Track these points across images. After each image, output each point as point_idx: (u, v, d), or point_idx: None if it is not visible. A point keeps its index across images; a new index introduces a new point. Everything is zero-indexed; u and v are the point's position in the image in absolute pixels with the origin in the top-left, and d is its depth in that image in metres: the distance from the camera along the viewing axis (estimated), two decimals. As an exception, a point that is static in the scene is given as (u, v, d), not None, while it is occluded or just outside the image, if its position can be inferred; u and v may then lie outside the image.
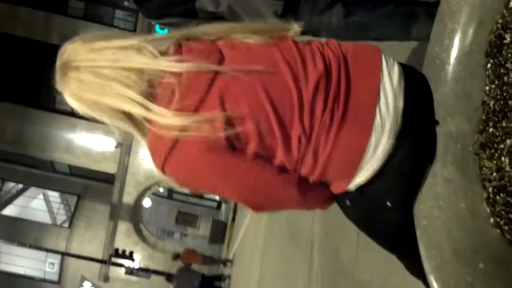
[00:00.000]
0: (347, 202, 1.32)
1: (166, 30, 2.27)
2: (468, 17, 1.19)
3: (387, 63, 1.27)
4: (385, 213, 1.29)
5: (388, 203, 1.26)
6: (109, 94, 1.21)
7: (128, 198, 16.78)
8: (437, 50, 1.25)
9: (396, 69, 1.27)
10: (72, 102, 1.27)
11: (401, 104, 1.22)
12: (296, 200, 1.29)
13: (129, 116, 1.24)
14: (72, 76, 1.24)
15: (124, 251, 15.62)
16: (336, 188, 1.30)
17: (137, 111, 1.20)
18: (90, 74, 1.22)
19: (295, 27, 1.35)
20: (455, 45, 1.21)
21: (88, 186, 18.42)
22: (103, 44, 1.24)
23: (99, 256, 16.54)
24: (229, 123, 1.17)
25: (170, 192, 21.68)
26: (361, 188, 1.26)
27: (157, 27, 2.41)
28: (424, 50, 1.34)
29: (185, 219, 21.85)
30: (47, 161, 17.25)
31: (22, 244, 16.93)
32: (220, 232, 17.50)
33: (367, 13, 2.15)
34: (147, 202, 18.29)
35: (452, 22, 1.22)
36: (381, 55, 1.29)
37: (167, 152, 1.19)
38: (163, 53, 1.24)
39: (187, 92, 1.17)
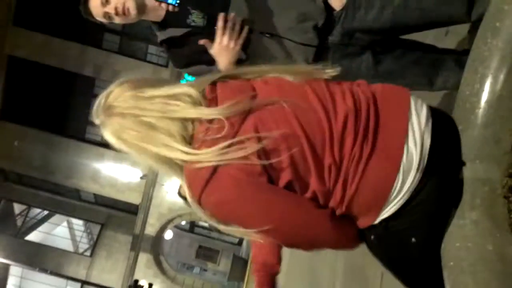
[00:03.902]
0: (372, 237, 1.33)
1: (193, 78, 2.29)
2: (499, 63, 1.21)
3: (415, 103, 1.31)
4: (410, 250, 1.29)
5: (413, 239, 1.27)
6: (155, 143, 1.27)
7: (150, 229, 16.75)
8: (467, 94, 1.28)
9: (424, 110, 1.30)
10: (112, 140, 1.33)
11: (428, 143, 1.24)
12: (328, 234, 1.31)
13: (170, 160, 1.29)
14: (116, 121, 1.30)
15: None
16: (362, 222, 1.31)
17: (180, 156, 1.26)
18: (136, 122, 1.28)
19: (330, 71, 1.39)
20: (485, 90, 1.23)
21: (112, 215, 18.49)
22: (150, 93, 1.30)
23: (118, 286, 16.49)
24: (263, 151, 1.21)
25: (192, 226, 21.62)
26: (386, 223, 1.27)
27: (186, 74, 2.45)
28: (451, 100, 1.36)
29: (206, 254, 21.67)
30: (73, 189, 17.42)
31: (43, 270, 17.01)
32: (240, 270, 17.27)
33: (395, 60, 2.17)
34: (168, 235, 18.25)
35: (483, 67, 1.24)
36: (409, 95, 1.33)
37: (204, 183, 1.24)
38: (203, 96, 1.30)
39: (223, 126, 1.23)
